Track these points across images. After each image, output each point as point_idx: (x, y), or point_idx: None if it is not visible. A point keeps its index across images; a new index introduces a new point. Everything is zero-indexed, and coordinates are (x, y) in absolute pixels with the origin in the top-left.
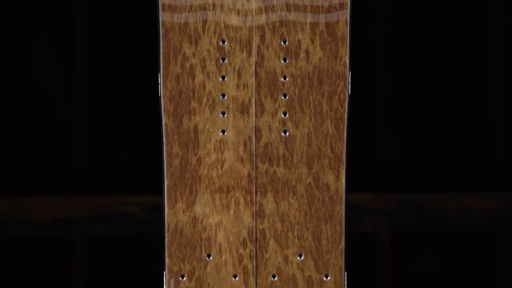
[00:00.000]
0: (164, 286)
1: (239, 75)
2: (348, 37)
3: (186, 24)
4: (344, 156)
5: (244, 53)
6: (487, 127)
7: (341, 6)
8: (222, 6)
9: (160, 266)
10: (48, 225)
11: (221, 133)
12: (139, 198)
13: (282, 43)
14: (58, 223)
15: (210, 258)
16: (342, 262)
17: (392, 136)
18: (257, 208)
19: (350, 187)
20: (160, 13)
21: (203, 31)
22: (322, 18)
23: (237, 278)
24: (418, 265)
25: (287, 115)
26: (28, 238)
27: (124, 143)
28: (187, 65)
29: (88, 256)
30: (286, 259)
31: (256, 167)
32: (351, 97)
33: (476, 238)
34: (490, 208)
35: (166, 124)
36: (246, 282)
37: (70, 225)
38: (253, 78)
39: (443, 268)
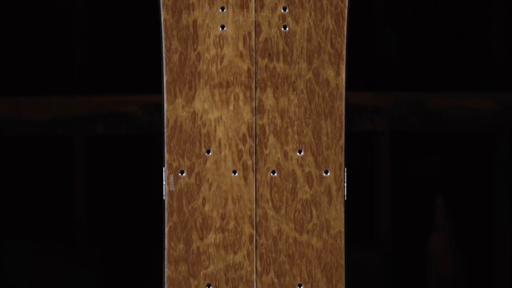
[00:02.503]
0: (164, 183)
1: None
2: None
3: None
4: (344, 52)
5: None
6: (487, 25)
7: None
8: None
9: (160, 162)
10: (47, 124)
11: (221, 28)
12: (139, 98)
13: None
14: (58, 123)
15: (210, 154)
16: (342, 158)
17: (393, 34)
18: (256, 104)
19: (350, 85)
20: None
21: None
22: None
23: (236, 174)
24: (417, 165)
25: (287, 10)
26: (28, 138)
27: (123, 41)
28: None
29: (88, 155)
30: (285, 155)
31: (256, 62)
32: None
33: (476, 138)
34: (490, 108)
35: (165, 20)
36: (245, 178)
37: (70, 124)
38: None
39: (443, 167)
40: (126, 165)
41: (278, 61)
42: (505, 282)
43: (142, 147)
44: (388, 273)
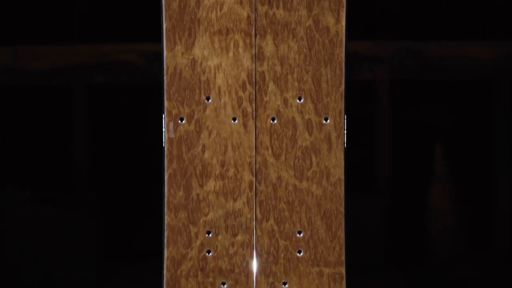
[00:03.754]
0: (163, 130)
1: None
2: None
3: None
4: None
5: None
6: None
7: None
8: None
9: (159, 110)
10: (47, 73)
11: None
12: (139, 46)
13: None
14: (58, 72)
15: (209, 101)
16: (342, 105)
17: None
18: (256, 51)
19: (350, 34)
20: None
21: None
22: None
23: (236, 121)
24: (417, 114)
25: None
26: (28, 87)
27: None
28: None
29: (87, 104)
30: (285, 102)
31: (256, 9)
32: None
33: (475, 87)
34: (490, 56)
35: None
36: (245, 125)
37: (70, 73)
38: None
39: (443, 115)
40: (126, 114)
41: (278, 7)
42: (505, 232)
43: (142, 95)
44: (388, 222)
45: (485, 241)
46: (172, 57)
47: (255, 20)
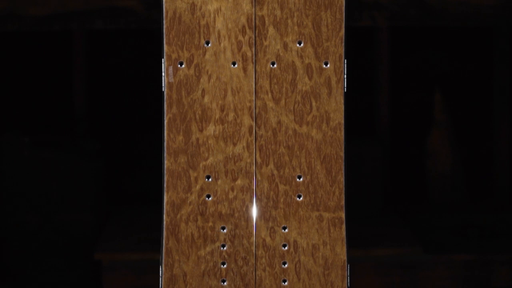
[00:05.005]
0: (163, 74)
1: None
2: None
3: None
4: None
5: None
6: None
7: None
8: None
9: (159, 54)
10: (46, 19)
11: None
12: None
13: None
14: (57, 17)
15: (209, 45)
16: (342, 50)
17: None
18: None
19: None
20: None
21: None
22: None
23: (236, 65)
24: (416, 60)
25: None
26: (27, 33)
27: None
28: None
29: (87, 50)
30: (285, 46)
31: None
32: None
33: (475, 33)
34: (490, 3)
35: None
36: (245, 69)
37: (69, 19)
38: None
39: (442, 62)
40: (125, 59)
41: None
42: (504, 177)
43: (141, 41)
44: (387, 168)
45: (484, 187)
46: (172, 1)
47: None
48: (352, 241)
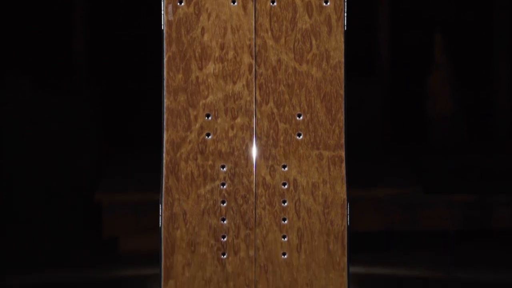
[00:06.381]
0: (162, 12)
1: None
2: None
3: None
4: None
5: None
6: None
7: None
8: None
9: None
10: None
11: None
12: None
13: None
14: None
15: None
16: None
17: None
18: None
19: None
20: None
21: None
22: None
23: (235, 3)
24: (417, 1)
25: None
26: None
27: None
28: None
29: None
30: None
31: None
32: None
33: None
34: None
35: None
36: (244, 7)
37: None
38: None
39: (443, 3)
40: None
41: None
42: (504, 119)
43: None
44: (388, 109)
45: (484, 128)
46: None
47: None
48: (353, 180)
